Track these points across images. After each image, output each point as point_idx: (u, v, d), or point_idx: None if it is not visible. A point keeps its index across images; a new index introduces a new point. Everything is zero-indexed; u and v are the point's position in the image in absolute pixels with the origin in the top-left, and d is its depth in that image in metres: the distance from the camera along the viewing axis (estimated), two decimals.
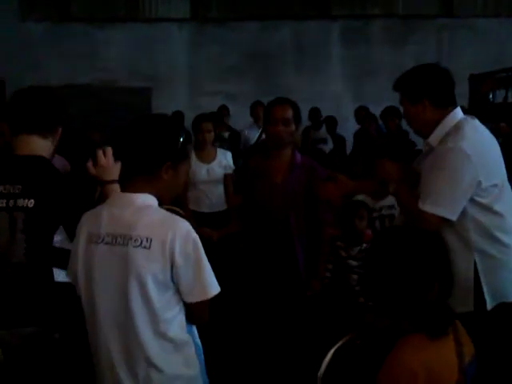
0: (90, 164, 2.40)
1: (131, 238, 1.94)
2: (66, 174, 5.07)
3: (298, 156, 3.45)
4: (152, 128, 2.06)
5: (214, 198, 5.08)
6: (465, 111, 2.75)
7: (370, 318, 1.99)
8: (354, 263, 3.72)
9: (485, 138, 2.69)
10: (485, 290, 2.54)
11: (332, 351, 1.92)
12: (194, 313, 2.06)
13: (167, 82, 9.70)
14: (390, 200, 4.03)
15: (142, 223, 1.96)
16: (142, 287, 1.95)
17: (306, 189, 3.37)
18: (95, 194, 2.46)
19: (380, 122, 7.39)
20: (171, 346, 2.02)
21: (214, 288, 2.01)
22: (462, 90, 6.58)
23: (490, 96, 6.41)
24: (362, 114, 8.06)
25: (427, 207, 2.53)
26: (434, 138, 2.67)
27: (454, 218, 2.53)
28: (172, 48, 9.82)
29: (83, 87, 9.30)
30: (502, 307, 2.42)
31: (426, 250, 1.79)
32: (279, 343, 3.33)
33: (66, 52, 9.35)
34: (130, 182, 2.04)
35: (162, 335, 2.00)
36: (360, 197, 4.28)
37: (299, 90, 8.96)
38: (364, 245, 3.73)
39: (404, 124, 2.93)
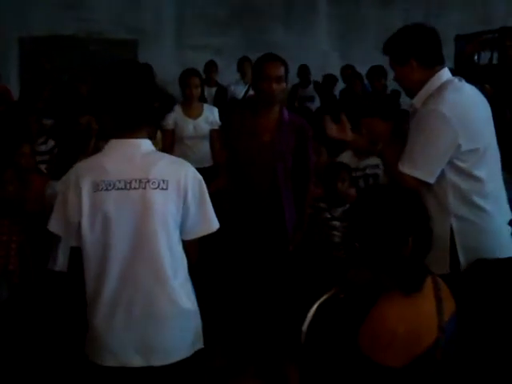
0: None
1: (148, 181, 2.04)
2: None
3: (286, 113, 3.44)
4: (148, 79, 2.12)
5: (200, 154, 5.03)
6: (451, 72, 2.73)
7: (353, 273, 2.06)
8: (338, 224, 3.80)
9: (470, 100, 2.64)
10: (460, 253, 2.55)
11: (316, 306, 1.96)
12: (190, 250, 2.21)
13: (154, 34, 9.55)
14: (374, 159, 4.11)
15: (157, 166, 2.07)
16: (165, 227, 2.07)
17: (294, 146, 3.39)
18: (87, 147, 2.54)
19: (366, 81, 7.40)
20: (183, 282, 2.16)
21: (216, 223, 2.20)
22: (448, 51, 6.64)
23: (476, 57, 6.42)
24: (347, 72, 8.07)
25: (405, 169, 2.55)
26: (418, 99, 2.65)
27: (431, 180, 2.53)
28: (159, 0, 9.67)
29: (68, 38, 9.12)
30: (479, 263, 2.46)
31: (401, 206, 1.83)
32: (264, 298, 3.37)
33: (50, 2, 9.14)
34: (131, 131, 2.10)
35: (178, 272, 2.13)
36: (345, 157, 4.36)
37: (287, 46, 8.88)
38: (347, 205, 3.81)
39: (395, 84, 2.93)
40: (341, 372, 1.77)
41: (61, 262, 3.49)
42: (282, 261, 3.43)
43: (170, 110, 2.21)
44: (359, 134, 2.98)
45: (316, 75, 8.42)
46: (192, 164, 3.90)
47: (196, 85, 5.12)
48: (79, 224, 2.06)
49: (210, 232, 2.19)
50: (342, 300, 1.83)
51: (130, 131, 2.10)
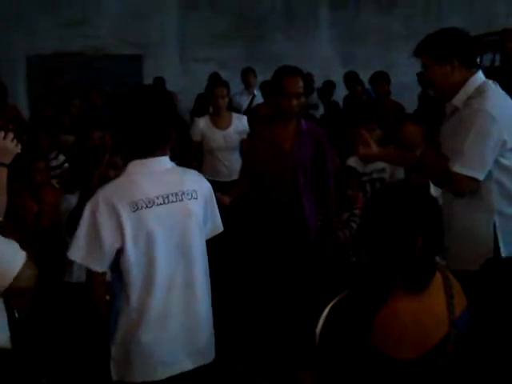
0: None
1: (183, 193, 2.19)
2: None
3: (304, 122, 3.49)
4: (162, 106, 2.22)
5: (231, 167, 4.86)
6: None
7: (363, 275, 2.11)
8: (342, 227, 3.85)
9: (507, 100, 2.76)
10: (502, 249, 2.63)
11: (328, 307, 2.00)
12: None
13: (158, 48, 9.66)
14: (380, 164, 4.17)
15: (186, 179, 2.24)
16: (200, 233, 2.24)
17: (312, 154, 3.45)
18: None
19: (368, 86, 7.44)
20: (209, 285, 2.35)
21: (221, 226, 2.42)
22: None
23: (478, 59, 6.45)
24: (351, 78, 8.11)
25: (457, 168, 2.62)
26: (458, 99, 2.74)
27: (481, 177, 2.62)
28: (162, 14, 9.75)
29: (74, 55, 9.24)
30: (491, 262, 2.49)
31: (411, 204, 1.85)
32: (286, 305, 3.41)
33: (56, 20, 9.25)
34: (151, 149, 2.21)
35: (207, 274, 2.33)
36: (351, 162, 4.41)
37: (289, 55, 8.97)
38: (357, 210, 3.85)
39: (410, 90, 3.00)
40: (354, 370, 1.81)
41: (77, 274, 3.54)
42: (305, 267, 3.46)
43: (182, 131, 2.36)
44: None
45: (319, 83, 8.48)
46: (224, 178, 4.04)
47: (223, 95, 4.99)
48: (121, 248, 2.12)
49: (216, 233, 2.40)
50: (354, 300, 1.88)
51: (153, 150, 2.20)
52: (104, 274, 2.19)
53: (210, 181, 2.43)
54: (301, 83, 3.36)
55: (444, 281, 1.91)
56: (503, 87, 4.81)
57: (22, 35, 9.05)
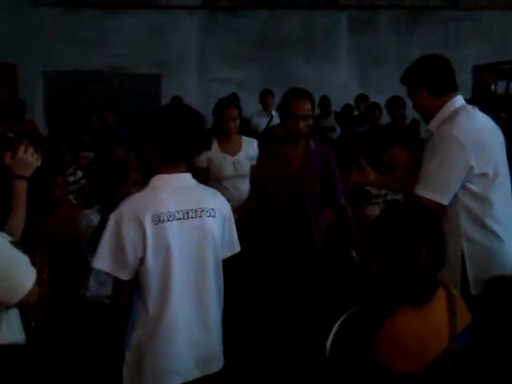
0: (8, 154, 2.44)
1: (203, 210, 2.26)
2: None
3: (313, 143, 3.55)
4: (191, 119, 2.30)
5: (240, 196, 4.13)
6: (468, 102, 2.84)
7: (372, 293, 2.16)
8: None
9: (482, 126, 2.75)
10: (470, 275, 2.64)
11: (338, 323, 2.07)
12: None
13: (177, 68, 9.78)
14: None
15: (206, 197, 2.32)
16: (216, 250, 2.31)
17: (321, 175, 3.50)
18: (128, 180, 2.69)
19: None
20: (221, 298, 2.42)
21: (238, 246, 2.47)
22: (465, 81, 6.76)
23: (492, 87, 6.52)
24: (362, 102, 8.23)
25: (420, 191, 2.65)
26: (433, 124, 2.78)
27: (445, 202, 2.63)
28: (183, 35, 9.88)
29: (94, 73, 9.39)
30: (497, 281, 2.53)
31: (416, 220, 1.94)
32: (294, 320, 3.45)
33: (77, 38, 9.39)
34: (174, 165, 2.29)
35: (221, 289, 2.39)
36: None
37: (307, 78, 9.07)
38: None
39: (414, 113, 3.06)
40: (361, 382, 1.86)
41: (92, 288, 3.59)
42: (312, 283, 3.51)
43: (208, 147, 2.40)
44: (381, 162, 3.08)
45: (336, 106, 8.57)
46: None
47: (234, 117, 4.42)
48: (142, 258, 2.19)
49: (234, 253, 2.46)
50: (362, 315, 1.93)
51: (174, 166, 2.28)
52: (130, 281, 2.24)
53: None
54: (308, 106, 3.41)
55: (447, 296, 1.96)
56: None
57: (41, 54, 9.22)
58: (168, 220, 2.20)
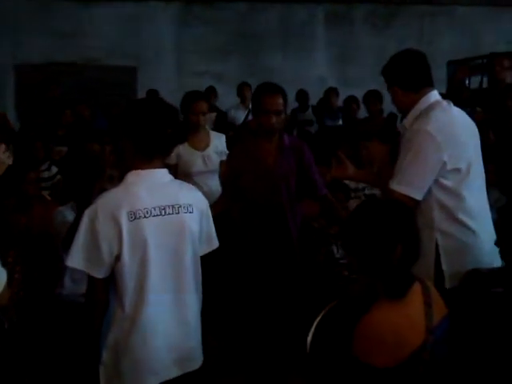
0: None
1: (180, 206, 2.24)
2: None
3: (286, 138, 3.54)
4: (166, 113, 2.27)
5: (210, 192, 3.90)
6: (442, 97, 2.85)
7: (351, 288, 2.18)
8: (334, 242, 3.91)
9: (456, 121, 2.76)
10: (444, 268, 2.66)
11: (318, 319, 2.08)
12: None
13: (153, 61, 9.70)
14: None
15: (183, 192, 2.29)
16: (194, 247, 2.29)
17: (296, 169, 3.49)
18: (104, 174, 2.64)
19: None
20: (199, 295, 2.38)
21: (217, 242, 2.45)
22: (440, 75, 6.79)
23: (467, 82, 6.57)
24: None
25: (394, 186, 2.67)
26: (408, 120, 2.79)
27: (418, 197, 2.64)
28: (158, 27, 9.79)
29: (68, 66, 9.23)
30: (473, 273, 2.56)
31: (391, 214, 1.96)
32: (271, 313, 3.44)
33: (50, 30, 9.25)
34: (150, 161, 2.25)
35: (198, 284, 2.36)
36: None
37: (285, 71, 9.10)
38: None
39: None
40: (341, 378, 1.88)
41: (68, 286, 3.55)
42: (291, 279, 3.49)
43: (183, 140, 2.38)
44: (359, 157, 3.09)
45: (314, 99, 8.58)
46: None
47: (203, 111, 4.31)
48: (118, 256, 2.16)
49: (212, 249, 2.44)
50: (341, 310, 1.95)
51: (149, 161, 2.25)
52: (105, 279, 2.21)
53: None
54: (280, 101, 3.38)
55: (423, 290, 1.98)
56: (490, 108, 4.94)
57: (14, 46, 9.07)
58: (144, 216, 2.16)
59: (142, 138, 2.22)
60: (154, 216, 2.19)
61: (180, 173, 4.19)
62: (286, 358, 3.35)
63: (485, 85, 6.43)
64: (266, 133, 3.45)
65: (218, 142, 4.40)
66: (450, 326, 1.99)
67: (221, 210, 3.50)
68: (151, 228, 2.17)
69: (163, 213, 2.21)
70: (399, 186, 2.66)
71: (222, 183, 3.81)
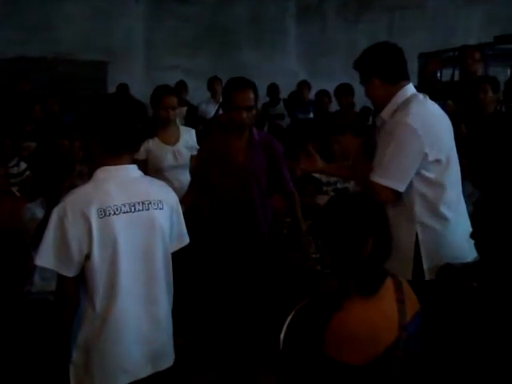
0: None
1: (150, 203, 2.21)
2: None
3: (256, 133, 3.49)
4: (133, 108, 2.24)
5: (181, 187, 3.88)
6: (415, 90, 2.84)
7: (324, 284, 2.17)
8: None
9: (433, 114, 2.78)
10: (424, 260, 2.66)
11: (290, 316, 2.07)
12: None
13: (124, 55, 9.55)
14: None
15: (153, 188, 2.27)
16: (165, 243, 2.26)
17: (266, 165, 3.46)
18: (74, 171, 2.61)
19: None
20: (170, 291, 2.36)
21: (187, 238, 2.42)
22: (411, 68, 6.82)
23: (438, 74, 6.62)
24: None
25: (376, 178, 2.67)
26: (385, 113, 2.78)
27: (401, 189, 2.65)
28: (129, 22, 9.65)
29: (37, 60, 9.03)
30: (446, 268, 2.57)
31: (361, 208, 1.96)
32: (242, 309, 3.42)
33: (19, 24, 9.05)
34: (119, 157, 2.22)
35: (169, 282, 2.34)
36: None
37: (256, 65, 9.07)
38: None
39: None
40: (313, 376, 1.86)
41: (37, 283, 3.49)
42: (261, 275, 3.47)
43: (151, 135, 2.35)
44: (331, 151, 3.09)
45: (286, 93, 8.57)
46: None
47: (173, 105, 4.27)
48: (87, 254, 2.11)
49: (183, 246, 2.41)
50: (313, 307, 1.93)
51: (118, 157, 2.21)
52: (75, 278, 2.15)
53: None
54: (251, 96, 3.33)
55: (395, 286, 1.97)
56: (462, 101, 4.99)
57: None
58: (114, 213, 2.13)
59: (110, 134, 2.19)
60: (124, 213, 2.15)
61: (150, 168, 4.16)
62: (257, 355, 3.33)
63: (456, 77, 6.48)
64: (237, 129, 3.40)
65: (188, 137, 4.37)
66: (422, 322, 1.98)
67: (189, 205, 3.46)
68: (121, 225, 2.14)
69: (133, 209, 2.17)
70: (381, 179, 2.66)
71: (191, 178, 3.80)
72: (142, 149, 4.09)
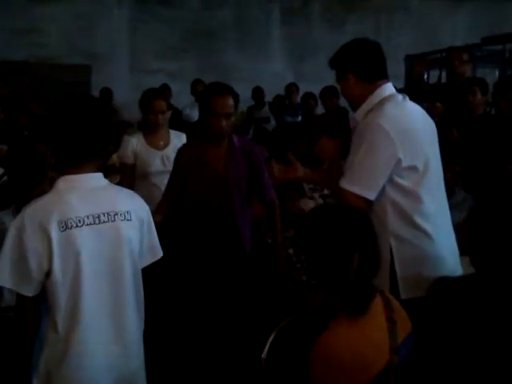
0: None
1: (117, 214, 2.05)
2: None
3: (236, 140, 3.34)
4: (96, 112, 2.08)
5: None
6: (401, 91, 2.65)
7: (310, 297, 2.03)
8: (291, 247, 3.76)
9: (411, 117, 2.53)
10: (398, 275, 2.42)
11: (273, 334, 1.94)
12: None
13: (107, 59, 9.48)
14: None
15: (119, 199, 2.10)
16: (132, 257, 2.10)
17: (246, 172, 3.31)
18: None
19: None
20: (140, 308, 2.18)
21: (161, 251, 2.26)
22: (398, 70, 6.76)
23: (425, 76, 6.55)
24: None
25: (344, 184, 2.43)
26: (359, 113, 2.55)
27: (371, 197, 2.41)
28: (112, 25, 9.58)
29: (19, 64, 8.95)
30: (439, 283, 2.29)
31: (345, 221, 1.80)
32: (224, 324, 3.26)
33: (2, 27, 8.92)
34: (81, 165, 2.06)
35: (139, 297, 2.16)
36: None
37: (241, 68, 9.00)
38: None
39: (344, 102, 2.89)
40: None
41: (7, 298, 3.33)
42: (243, 289, 3.32)
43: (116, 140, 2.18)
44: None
45: (271, 97, 8.48)
46: None
47: (162, 109, 4.17)
48: (48, 271, 1.96)
49: (155, 260, 2.24)
50: (297, 326, 1.79)
51: (80, 166, 2.06)
52: (35, 297, 2.00)
53: None
54: (230, 102, 3.16)
55: (385, 304, 1.82)
56: (450, 103, 4.90)
57: None
58: (76, 226, 1.97)
59: (68, 141, 2.03)
60: (88, 225, 1.99)
61: (138, 173, 4.11)
62: (238, 374, 3.17)
63: (444, 79, 6.40)
64: (215, 136, 3.25)
65: (177, 142, 4.18)
66: (414, 344, 1.83)
67: (166, 213, 3.34)
68: (84, 238, 1.98)
69: (97, 221, 2.01)
70: (350, 185, 2.42)
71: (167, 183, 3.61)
72: (130, 152, 4.10)
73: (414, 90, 4.86)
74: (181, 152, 3.52)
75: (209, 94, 3.22)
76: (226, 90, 3.22)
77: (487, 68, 7.37)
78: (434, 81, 6.87)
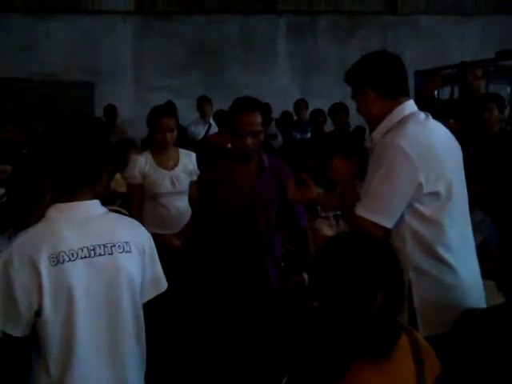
0: None
1: (114, 245, 1.89)
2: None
3: (266, 158, 3.16)
4: (90, 135, 1.93)
5: (178, 215, 3.88)
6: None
7: (326, 329, 1.85)
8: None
9: (435, 138, 2.34)
10: (418, 313, 2.25)
11: (285, 379, 1.76)
12: None
13: (111, 76, 9.42)
14: None
15: (117, 229, 1.94)
16: (133, 291, 1.94)
17: (276, 193, 3.11)
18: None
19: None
20: (143, 346, 2.02)
21: (165, 283, 2.10)
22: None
23: (436, 93, 6.42)
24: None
25: (360, 211, 2.27)
26: (377, 133, 2.37)
27: (389, 225, 2.24)
28: (116, 42, 9.54)
29: (22, 81, 8.91)
30: (465, 316, 2.17)
31: (368, 256, 1.63)
32: (247, 354, 3.07)
33: (3, 44, 8.92)
34: (74, 191, 1.91)
35: (141, 332, 2.00)
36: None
37: (246, 84, 8.86)
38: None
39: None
40: None
41: None
42: (266, 317, 3.12)
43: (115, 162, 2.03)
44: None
45: (277, 113, 8.37)
46: (169, 230, 3.38)
47: (171, 127, 3.99)
48: (38, 310, 1.81)
49: (160, 292, 2.09)
50: (313, 370, 1.61)
51: (73, 194, 1.91)
52: (25, 337, 1.85)
53: (151, 234, 2.09)
54: (258, 120, 2.97)
55: (412, 344, 1.66)
56: (464, 120, 4.77)
57: None
58: (69, 260, 1.82)
59: (58, 166, 1.88)
60: (82, 258, 1.84)
61: (146, 194, 3.99)
62: None
63: (456, 95, 6.27)
64: (242, 155, 3.07)
65: (187, 161, 4.09)
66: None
67: (189, 235, 3.21)
68: (78, 273, 1.83)
69: (93, 254, 1.86)
70: (366, 212, 2.24)
71: (192, 206, 3.46)
72: (137, 173, 3.97)
73: (425, 106, 4.72)
74: (205, 173, 3.37)
75: (235, 110, 3.04)
76: (252, 106, 3.02)
77: (498, 84, 7.23)
78: (445, 97, 6.73)
